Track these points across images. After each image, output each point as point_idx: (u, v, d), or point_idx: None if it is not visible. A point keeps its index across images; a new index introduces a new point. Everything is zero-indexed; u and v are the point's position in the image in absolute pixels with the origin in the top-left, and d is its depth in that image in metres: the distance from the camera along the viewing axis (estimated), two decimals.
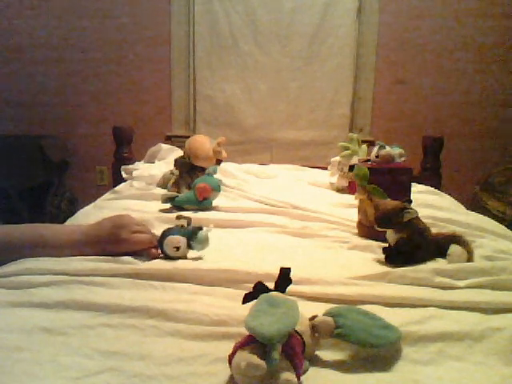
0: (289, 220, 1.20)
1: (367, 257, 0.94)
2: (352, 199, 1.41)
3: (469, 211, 1.39)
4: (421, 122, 2.86)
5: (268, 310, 0.51)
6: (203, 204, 1.26)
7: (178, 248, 0.87)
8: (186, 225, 1.02)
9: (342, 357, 0.58)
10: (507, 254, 0.94)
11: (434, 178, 1.90)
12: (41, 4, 2.86)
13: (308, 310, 0.60)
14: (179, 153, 1.75)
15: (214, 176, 1.35)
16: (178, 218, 1.03)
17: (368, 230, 1.05)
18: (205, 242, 0.90)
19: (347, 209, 1.33)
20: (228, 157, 1.60)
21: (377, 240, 1.01)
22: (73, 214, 1.25)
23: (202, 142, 1.51)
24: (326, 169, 1.83)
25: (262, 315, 0.50)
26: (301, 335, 0.54)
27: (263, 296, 0.54)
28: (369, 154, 1.44)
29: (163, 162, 1.80)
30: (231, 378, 0.51)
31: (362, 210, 1.09)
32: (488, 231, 1.11)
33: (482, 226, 1.14)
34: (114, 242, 0.86)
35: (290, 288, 0.57)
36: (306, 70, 2.84)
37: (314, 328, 0.57)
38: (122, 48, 2.89)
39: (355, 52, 2.82)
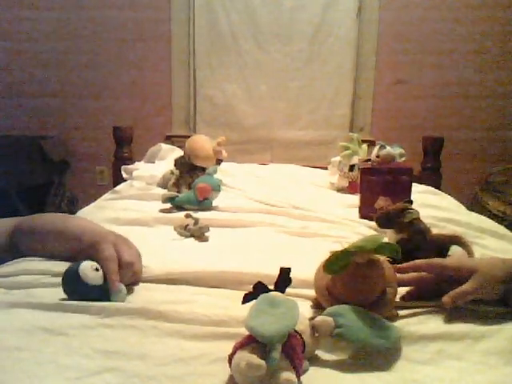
0: (289, 220, 1.20)
1: None
2: (352, 199, 1.41)
3: (469, 211, 1.39)
4: (421, 121, 2.86)
5: (268, 309, 0.51)
6: (203, 204, 1.26)
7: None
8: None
9: (341, 356, 0.58)
10: (507, 254, 0.94)
11: (434, 178, 1.91)
12: (40, 4, 2.86)
13: (308, 309, 0.60)
14: (179, 153, 1.75)
15: (214, 176, 1.35)
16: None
17: None
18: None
19: (347, 209, 1.33)
20: (228, 157, 1.60)
21: None
22: (73, 213, 1.25)
23: (202, 142, 1.51)
24: (326, 169, 1.83)
25: (261, 315, 0.50)
26: (301, 335, 0.54)
27: (263, 296, 0.53)
28: (369, 153, 1.44)
29: (163, 161, 1.80)
30: (231, 378, 0.51)
31: None
32: (488, 232, 1.11)
33: (482, 227, 1.14)
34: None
35: (290, 288, 0.57)
36: (306, 70, 2.84)
37: (313, 328, 0.57)
38: (123, 47, 2.89)
39: (355, 52, 2.82)
